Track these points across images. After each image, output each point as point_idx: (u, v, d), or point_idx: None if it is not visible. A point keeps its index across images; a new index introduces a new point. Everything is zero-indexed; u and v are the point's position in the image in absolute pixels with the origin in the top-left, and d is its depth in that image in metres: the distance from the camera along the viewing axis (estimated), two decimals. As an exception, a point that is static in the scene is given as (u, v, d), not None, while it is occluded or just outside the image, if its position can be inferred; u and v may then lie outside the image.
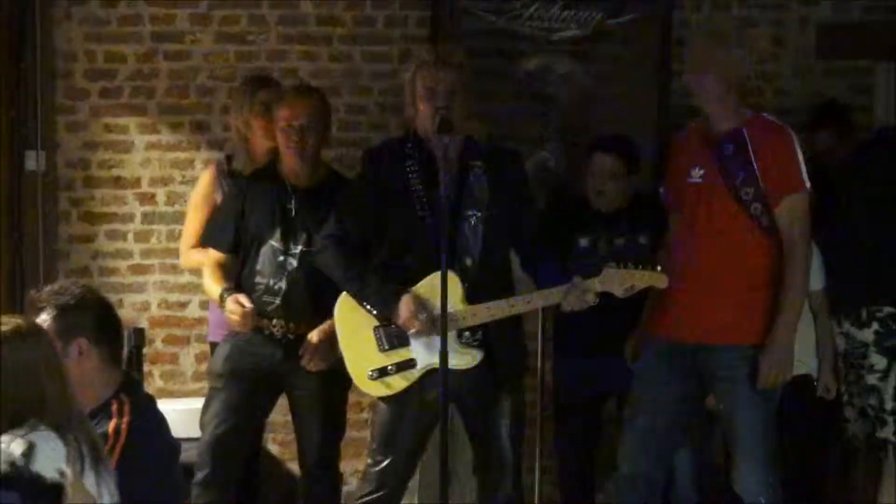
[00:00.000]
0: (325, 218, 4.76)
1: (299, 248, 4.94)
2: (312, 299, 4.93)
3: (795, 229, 4.57)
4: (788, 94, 6.36)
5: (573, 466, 5.64)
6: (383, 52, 6.20)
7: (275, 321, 4.98)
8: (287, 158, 5.02)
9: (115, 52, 6.07)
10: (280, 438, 6.11)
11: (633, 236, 5.40)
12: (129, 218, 6.11)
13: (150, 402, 3.66)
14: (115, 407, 3.46)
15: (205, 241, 5.21)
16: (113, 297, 6.03)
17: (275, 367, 5.00)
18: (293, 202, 5.01)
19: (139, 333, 5.29)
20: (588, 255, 5.40)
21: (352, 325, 4.55)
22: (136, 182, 6.10)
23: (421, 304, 4.43)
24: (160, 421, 3.61)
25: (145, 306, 6.12)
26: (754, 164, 4.56)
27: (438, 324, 4.35)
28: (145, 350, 5.44)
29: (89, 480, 3.01)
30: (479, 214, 4.50)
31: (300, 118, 4.97)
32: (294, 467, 5.54)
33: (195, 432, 5.43)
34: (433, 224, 4.42)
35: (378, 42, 6.19)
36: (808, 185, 4.58)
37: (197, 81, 6.12)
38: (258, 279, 5.00)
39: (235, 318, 4.90)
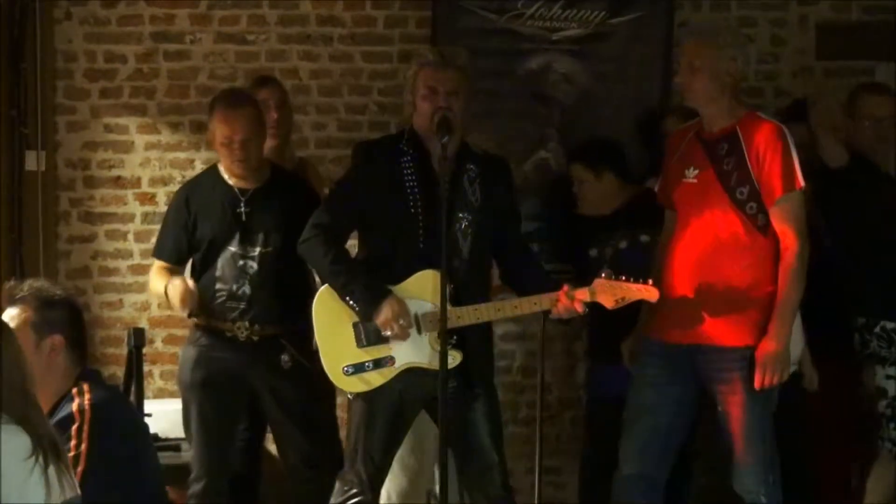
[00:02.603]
0: (282, 215, 4.79)
1: (257, 249, 4.94)
2: (277, 300, 4.92)
3: (791, 228, 4.55)
4: (788, 94, 6.35)
5: (599, 469, 5.61)
6: (383, 52, 6.20)
7: (238, 325, 4.96)
8: (233, 170, 4.99)
9: (115, 52, 6.07)
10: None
11: (635, 236, 5.40)
12: (129, 218, 6.11)
13: (112, 388, 3.68)
14: (74, 391, 3.50)
15: (154, 252, 5.21)
16: (113, 297, 6.11)
17: (242, 371, 4.97)
18: (243, 205, 4.99)
19: (139, 333, 5.24)
20: (599, 264, 5.39)
21: (330, 318, 4.48)
22: (136, 182, 6.11)
23: (404, 309, 4.40)
24: (123, 400, 3.61)
25: (145, 306, 6.13)
26: (748, 164, 4.55)
27: (414, 329, 4.39)
28: (145, 350, 5.41)
29: (52, 473, 3.00)
30: (471, 217, 4.47)
31: (238, 133, 4.92)
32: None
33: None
34: (425, 222, 4.41)
35: (378, 42, 6.19)
36: (803, 183, 4.56)
37: (197, 81, 6.12)
38: (219, 286, 4.97)
39: (175, 295, 4.87)
